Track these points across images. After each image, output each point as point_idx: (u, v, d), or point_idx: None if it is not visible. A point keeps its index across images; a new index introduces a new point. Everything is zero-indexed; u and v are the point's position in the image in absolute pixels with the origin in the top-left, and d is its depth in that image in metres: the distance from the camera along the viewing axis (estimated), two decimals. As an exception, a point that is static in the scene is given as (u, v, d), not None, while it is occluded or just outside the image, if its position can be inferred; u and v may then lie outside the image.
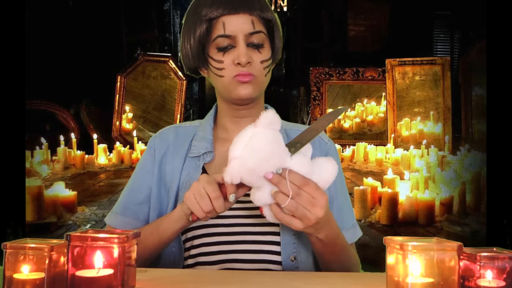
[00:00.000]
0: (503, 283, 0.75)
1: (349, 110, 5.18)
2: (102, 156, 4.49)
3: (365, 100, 5.17)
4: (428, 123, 4.79)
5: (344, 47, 5.60)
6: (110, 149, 4.59)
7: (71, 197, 3.29)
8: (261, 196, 0.90)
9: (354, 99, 5.19)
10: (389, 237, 0.80)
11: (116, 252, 0.77)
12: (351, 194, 3.28)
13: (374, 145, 4.68)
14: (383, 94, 5.04)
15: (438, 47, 5.76)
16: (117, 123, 5.02)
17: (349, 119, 5.16)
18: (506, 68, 2.48)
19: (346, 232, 1.11)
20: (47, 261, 0.73)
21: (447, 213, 3.22)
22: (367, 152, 4.58)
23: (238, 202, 1.04)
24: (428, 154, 4.29)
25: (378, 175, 3.92)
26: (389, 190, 3.28)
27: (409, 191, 3.38)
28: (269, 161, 0.87)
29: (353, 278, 0.97)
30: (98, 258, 0.77)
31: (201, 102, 5.51)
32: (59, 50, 4.73)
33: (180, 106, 5.10)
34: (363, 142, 4.67)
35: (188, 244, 1.10)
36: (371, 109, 5.14)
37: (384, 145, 4.70)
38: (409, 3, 5.23)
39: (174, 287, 0.87)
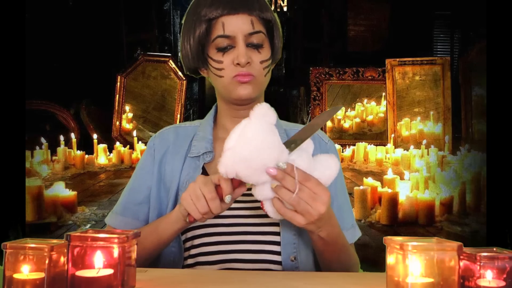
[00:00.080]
0: (503, 283, 0.75)
1: (349, 110, 5.18)
2: (102, 156, 4.49)
3: (365, 100, 5.17)
4: (428, 123, 4.79)
5: (344, 47, 5.60)
6: (110, 149, 4.59)
7: (71, 197, 3.29)
8: (262, 190, 0.90)
9: (354, 99, 5.19)
10: (389, 237, 0.80)
11: (116, 252, 0.77)
12: (351, 194, 3.28)
13: (374, 145, 4.68)
14: (383, 94, 5.04)
15: (438, 47, 5.76)
16: (117, 123, 5.02)
17: (349, 119, 5.16)
18: (506, 68, 2.48)
19: (346, 233, 1.11)
20: (47, 261, 0.73)
21: (447, 213, 3.23)
22: (367, 152, 4.58)
23: (238, 201, 1.04)
24: (428, 154, 4.29)
25: (378, 175, 3.92)
26: (389, 190, 3.28)
27: (409, 191, 3.38)
28: (263, 151, 0.86)
29: (353, 278, 0.97)
30: (98, 258, 0.77)
31: (201, 102, 5.51)
32: (59, 50, 4.73)
33: (180, 106, 5.10)
34: (363, 142, 4.67)
35: (188, 244, 1.10)
36: (371, 109, 5.14)
37: (384, 145, 4.70)
38: (409, 3, 5.23)
39: (174, 287, 0.87)
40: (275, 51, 1.14)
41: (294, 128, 1.22)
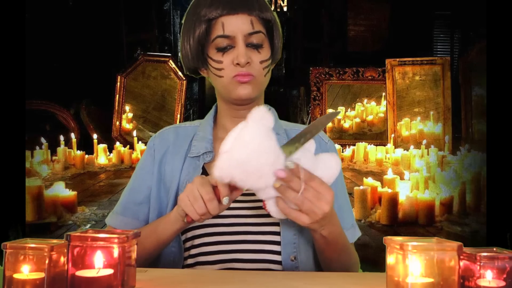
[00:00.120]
0: (503, 283, 0.75)
1: (349, 110, 5.18)
2: (102, 156, 4.50)
3: (365, 100, 5.17)
4: (428, 123, 4.79)
5: (344, 47, 5.60)
6: (110, 149, 4.60)
7: (71, 197, 3.29)
8: (265, 189, 0.90)
9: (354, 99, 5.19)
10: (389, 237, 0.80)
11: (116, 252, 0.77)
12: (351, 194, 3.28)
13: (374, 145, 4.68)
14: (383, 94, 5.05)
15: (438, 47, 5.76)
16: (117, 123, 5.02)
17: (349, 119, 5.16)
18: (506, 68, 2.48)
19: (346, 232, 1.11)
20: (47, 261, 0.73)
21: (447, 213, 3.23)
22: (367, 152, 4.58)
23: (238, 201, 1.04)
24: (428, 154, 4.29)
25: (378, 175, 3.92)
26: (389, 190, 3.28)
27: (409, 191, 3.38)
28: (260, 156, 0.84)
29: (353, 278, 0.97)
30: (98, 258, 0.77)
31: (201, 102, 5.52)
32: (59, 50, 4.73)
33: (180, 106, 5.11)
34: (363, 142, 4.68)
35: (188, 244, 1.10)
36: (371, 109, 5.14)
37: (384, 145, 4.70)
38: (409, 3, 5.24)
39: (174, 287, 0.87)
40: (275, 51, 1.14)
41: (294, 128, 1.22)
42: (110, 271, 0.77)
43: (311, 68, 5.14)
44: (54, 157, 4.32)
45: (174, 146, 1.17)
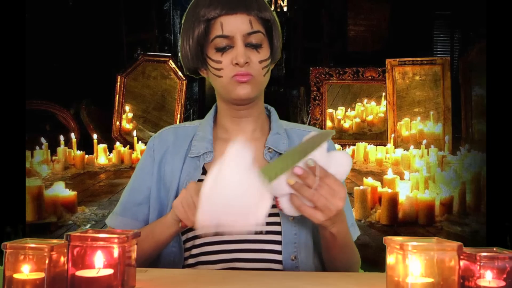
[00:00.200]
0: (503, 283, 0.75)
1: (349, 110, 5.18)
2: (102, 156, 4.49)
3: (365, 100, 5.17)
4: (428, 123, 4.79)
5: (344, 47, 5.60)
6: (110, 149, 4.60)
7: (71, 197, 3.29)
8: (279, 186, 0.90)
9: (354, 99, 5.19)
10: (389, 237, 0.80)
11: (116, 252, 0.77)
12: (351, 194, 3.28)
13: (374, 145, 4.68)
14: (383, 94, 5.05)
15: (438, 47, 5.76)
16: (117, 123, 5.02)
17: (349, 119, 5.16)
18: (506, 68, 2.48)
19: (346, 231, 1.12)
20: (47, 261, 0.73)
21: (447, 213, 3.22)
22: (367, 152, 4.58)
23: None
24: (428, 154, 4.29)
25: (378, 175, 3.92)
26: (389, 190, 3.28)
27: (409, 191, 3.38)
28: (242, 196, 0.81)
29: (353, 278, 0.97)
30: (98, 258, 0.77)
31: (201, 102, 5.52)
32: (59, 50, 4.73)
33: (180, 106, 5.11)
34: (363, 142, 4.67)
35: (189, 244, 1.10)
36: (371, 109, 5.14)
37: (384, 145, 4.70)
38: (409, 3, 5.24)
39: (174, 287, 0.87)
40: (274, 50, 1.14)
41: (295, 128, 1.22)
42: (110, 271, 0.77)
43: (311, 68, 5.14)
44: (54, 157, 4.32)
45: (174, 146, 1.18)
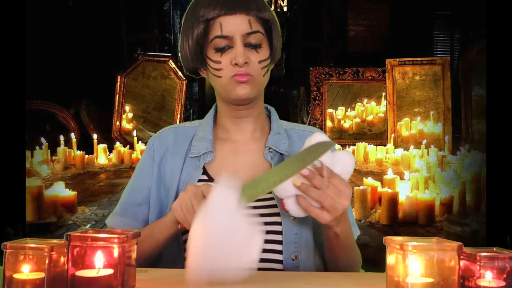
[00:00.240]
0: (503, 283, 0.75)
1: (349, 110, 5.18)
2: (102, 156, 4.49)
3: (365, 100, 5.17)
4: (428, 123, 4.79)
5: (344, 47, 5.59)
6: (110, 149, 4.59)
7: (71, 197, 3.29)
8: (285, 187, 0.91)
9: (354, 99, 5.19)
10: (389, 237, 0.80)
11: (116, 252, 0.77)
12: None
13: (374, 145, 4.68)
14: (383, 94, 5.04)
15: (438, 47, 5.76)
16: (117, 123, 5.01)
17: (349, 119, 5.16)
18: (506, 68, 2.48)
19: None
20: (47, 261, 0.73)
21: (447, 213, 3.22)
22: (367, 152, 4.58)
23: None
24: (428, 154, 4.29)
25: (378, 175, 3.92)
26: (389, 190, 3.28)
27: (409, 191, 3.38)
28: (232, 242, 0.78)
29: (353, 278, 0.97)
30: (98, 258, 0.77)
31: (201, 102, 5.51)
32: (59, 50, 4.73)
33: (180, 106, 5.10)
34: (363, 142, 4.67)
35: (189, 244, 1.10)
36: (371, 109, 5.14)
37: (384, 145, 4.69)
38: (409, 3, 5.23)
39: (174, 287, 0.87)
40: (273, 50, 1.14)
41: (294, 128, 1.23)
42: (110, 271, 0.77)
43: (311, 68, 5.13)
44: (54, 157, 4.32)
45: (173, 147, 1.18)
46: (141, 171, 1.18)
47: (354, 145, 4.70)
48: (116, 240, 0.77)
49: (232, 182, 0.82)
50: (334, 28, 5.61)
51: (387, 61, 4.90)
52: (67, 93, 4.83)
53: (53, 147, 4.33)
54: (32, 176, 3.72)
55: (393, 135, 4.82)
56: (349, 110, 5.19)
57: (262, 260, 1.07)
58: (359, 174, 4.20)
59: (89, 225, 3.11)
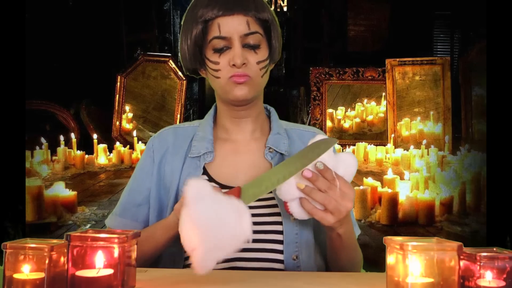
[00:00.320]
0: (503, 283, 0.75)
1: (349, 110, 5.18)
2: (102, 156, 4.49)
3: (365, 100, 5.17)
4: (428, 123, 4.79)
5: (344, 47, 5.59)
6: (110, 149, 4.59)
7: (71, 197, 3.29)
8: (289, 190, 0.91)
9: (354, 99, 5.19)
10: (389, 237, 0.80)
11: (116, 252, 0.77)
12: (351, 194, 3.28)
13: (374, 145, 4.68)
14: (383, 94, 5.04)
15: (438, 47, 5.76)
16: (117, 123, 5.01)
17: (349, 119, 5.15)
18: (506, 68, 2.48)
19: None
20: (47, 261, 0.73)
21: (447, 213, 3.22)
22: (367, 152, 4.58)
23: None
24: (428, 154, 4.29)
25: (378, 175, 3.92)
26: (389, 190, 3.28)
27: (409, 191, 3.37)
28: (221, 226, 0.80)
29: (353, 278, 0.97)
30: (98, 258, 0.77)
31: (201, 102, 5.51)
32: (59, 50, 4.73)
33: (180, 106, 5.10)
34: (363, 142, 4.67)
35: (189, 244, 1.10)
36: (371, 109, 5.14)
37: (384, 145, 4.69)
38: (409, 3, 5.23)
39: (174, 287, 0.87)
40: (272, 51, 1.13)
41: (294, 128, 1.23)
42: (110, 271, 0.77)
43: (311, 68, 5.13)
44: (54, 157, 4.31)
45: (173, 147, 1.17)
46: (140, 172, 1.18)
47: (354, 145, 4.70)
48: (116, 240, 0.77)
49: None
50: (334, 28, 5.61)
51: (387, 61, 4.90)
52: (67, 93, 4.82)
53: (53, 147, 4.33)
54: (32, 176, 3.72)
55: (393, 135, 4.82)
56: (349, 110, 5.19)
57: (263, 260, 1.07)
58: (359, 174, 4.19)
59: (89, 225, 3.11)
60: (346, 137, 5.07)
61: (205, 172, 1.13)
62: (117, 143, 4.74)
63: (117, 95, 5.03)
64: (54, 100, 4.82)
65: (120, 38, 5.39)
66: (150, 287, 0.85)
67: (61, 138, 4.38)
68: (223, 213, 0.81)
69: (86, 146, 4.58)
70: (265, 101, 1.21)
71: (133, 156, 4.51)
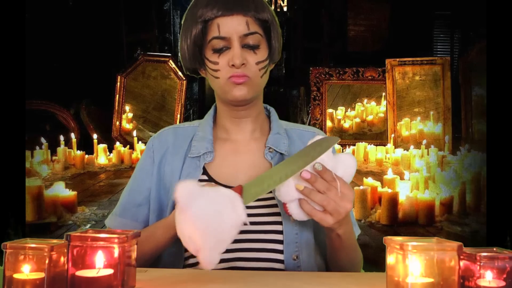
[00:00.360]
0: (503, 283, 0.75)
1: (349, 110, 5.18)
2: (102, 156, 4.49)
3: (365, 100, 5.17)
4: (428, 123, 4.79)
5: (344, 47, 5.59)
6: (110, 149, 4.59)
7: (71, 197, 3.29)
8: (288, 191, 0.91)
9: (354, 99, 5.19)
10: (389, 237, 0.80)
11: (116, 252, 0.77)
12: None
13: (374, 145, 4.68)
14: (383, 94, 5.04)
15: (438, 47, 5.76)
16: (117, 123, 5.01)
17: (349, 119, 5.16)
18: (506, 68, 2.48)
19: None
20: (47, 261, 0.73)
21: (447, 213, 3.22)
22: (367, 152, 4.58)
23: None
24: (428, 154, 4.29)
25: (378, 175, 3.92)
26: (389, 190, 3.28)
27: (409, 191, 3.37)
28: (222, 223, 0.82)
29: (353, 278, 0.97)
30: (98, 258, 0.77)
31: (201, 102, 5.51)
32: (59, 50, 4.73)
33: (180, 106, 5.10)
34: (363, 142, 4.67)
35: (189, 244, 1.10)
36: (371, 109, 5.14)
37: (384, 145, 4.69)
38: (409, 3, 5.23)
39: (174, 287, 0.87)
40: (272, 51, 1.13)
41: (294, 128, 1.23)
42: (110, 271, 0.77)
43: (311, 68, 5.13)
44: (54, 157, 4.32)
45: (173, 147, 1.18)
46: (140, 172, 1.18)
47: (354, 145, 4.70)
48: (116, 240, 0.77)
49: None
50: (334, 28, 5.61)
51: (387, 61, 4.90)
52: (67, 93, 4.83)
53: (53, 147, 4.33)
54: (32, 176, 3.72)
55: (393, 135, 4.82)
56: (349, 110, 5.19)
57: (263, 260, 1.07)
58: (359, 174, 4.20)
59: (89, 225, 3.11)
60: (346, 137, 5.07)
61: (205, 172, 1.13)
62: (117, 143, 4.75)
63: (117, 95, 5.03)
64: (54, 100, 4.83)
65: (120, 38, 5.39)
66: (150, 287, 0.85)
67: (61, 138, 4.38)
68: (217, 207, 0.82)
69: (86, 146, 4.58)
70: (265, 101, 1.21)
71: (133, 156, 4.51)
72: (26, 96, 2.49)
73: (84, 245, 0.77)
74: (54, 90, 4.71)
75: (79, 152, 4.37)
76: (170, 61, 5.14)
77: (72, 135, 4.57)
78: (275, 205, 1.10)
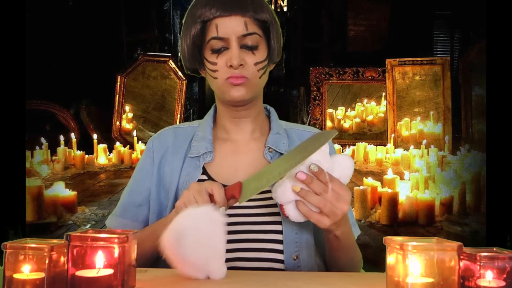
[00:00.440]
0: (503, 283, 0.75)
1: (349, 110, 5.18)
2: (102, 156, 4.49)
3: (365, 100, 5.17)
4: (428, 123, 4.79)
5: (344, 47, 5.59)
6: (110, 149, 4.59)
7: (71, 197, 3.29)
8: (285, 192, 0.91)
9: (354, 99, 5.19)
10: (389, 237, 0.80)
11: (116, 252, 0.77)
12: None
13: (374, 145, 4.68)
14: (383, 94, 5.04)
15: (438, 47, 5.76)
16: (117, 123, 5.01)
17: (349, 119, 5.16)
18: (506, 68, 2.48)
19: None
20: (47, 261, 0.73)
21: (447, 213, 3.22)
22: (367, 152, 4.58)
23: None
24: (428, 154, 4.29)
25: (378, 175, 3.92)
26: (389, 190, 3.28)
27: (409, 191, 3.37)
28: (211, 239, 0.85)
29: (353, 278, 0.97)
30: (98, 258, 0.77)
31: (201, 102, 5.51)
32: (59, 50, 4.73)
33: (180, 106, 5.10)
34: (363, 142, 4.67)
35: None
36: (371, 109, 5.14)
37: (384, 145, 4.69)
38: (409, 3, 5.23)
39: (174, 287, 0.87)
40: (271, 52, 1.13)
41: (294, 128, 1.23)
42: (110, 271, 0.77)
43: (311, 68, 5.13)
44: (54, 157, 4.31)
45: (173, 147, 1.18)
46: (140, 172, 1.18)
47: (354, 145, 4.70)
48: (116, 240, 0.77)
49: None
50: (334, 28, 5.61)
51: (387, 61, 4.90)
52: (67, 93, 4.82)
53: (53, 147, 4.33)
54: (32, 176, 3.72)
55: (393, 135, 4.82)
56: (349, 110, 5.19)
57: (263, 260, 1.07)
58: (359, 174, 4.20)
59: (89, 225, 3.11)
60: (346, 137, 5.07)
61: (204, 172, 1.13)
62: (117, 143, 4.74)
63: (117, 95, 5.03)
64: (54, 100, 4.82)
65: (120, 38, 5.39)
66: (150, 287, 0.85)
67: (61, 138, 4.38)
68: (206, 234, 0.84)
69: (86, 146, 4.58)
70: (265, 101, 1.21)
71: (133, 156, 4.51)
72: (26, 96, 2.49)
73: (84, 245, 0.77)
74: (54, 90, 4.71)
75: (79, 152, 4.37)
76: (170, 61, 5.13)
77: (72, 135, 4.57)
78: (274, 205, 1.10)
